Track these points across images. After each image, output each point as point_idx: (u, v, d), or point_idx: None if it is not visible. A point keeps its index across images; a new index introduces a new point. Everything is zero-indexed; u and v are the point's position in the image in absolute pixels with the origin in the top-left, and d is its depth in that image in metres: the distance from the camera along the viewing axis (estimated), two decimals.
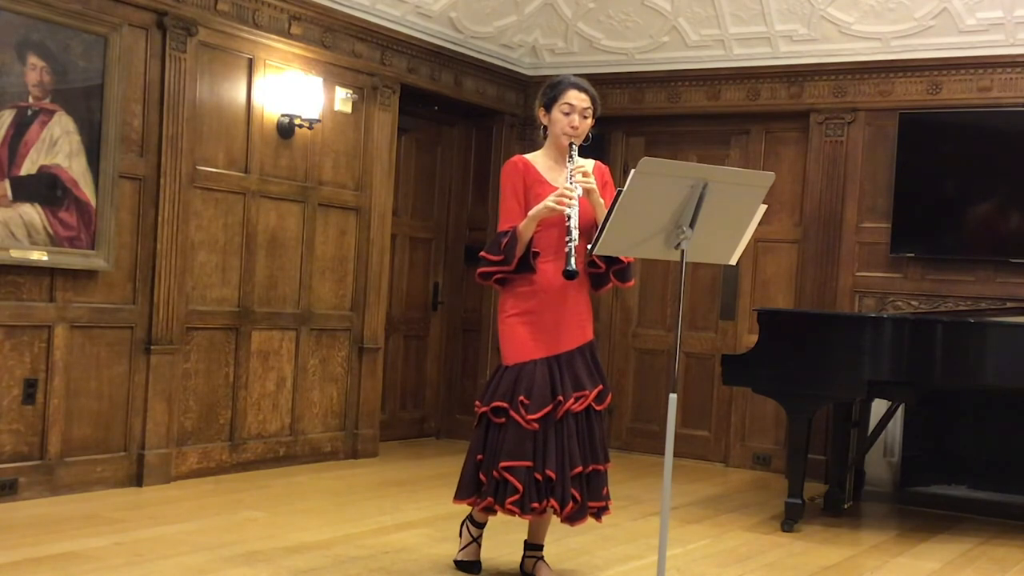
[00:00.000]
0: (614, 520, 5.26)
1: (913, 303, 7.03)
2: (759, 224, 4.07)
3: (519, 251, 4.14)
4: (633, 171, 3.55)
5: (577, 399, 4.17)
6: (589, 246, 3.99)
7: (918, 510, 6.47)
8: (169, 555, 4.50)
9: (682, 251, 3.71)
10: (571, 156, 4.16)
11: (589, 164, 4.25)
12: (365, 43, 7.00)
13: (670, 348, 7.86)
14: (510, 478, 4.08)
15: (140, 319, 5.85)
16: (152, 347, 5.87)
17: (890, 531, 5.90)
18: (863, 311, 7.11)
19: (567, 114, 4.19)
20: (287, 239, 6.65)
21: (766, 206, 4.05)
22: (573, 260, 3.94)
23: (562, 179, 4.16)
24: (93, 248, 5.56)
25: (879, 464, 6.96)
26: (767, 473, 7.50)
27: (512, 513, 4.13)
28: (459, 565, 4.49)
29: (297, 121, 6.53)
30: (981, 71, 6.92)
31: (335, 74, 6.85)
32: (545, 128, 4.29)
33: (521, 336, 4.20)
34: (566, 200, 4.01)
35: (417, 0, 7.10)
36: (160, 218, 5.89)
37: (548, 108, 4.25)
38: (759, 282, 7.73)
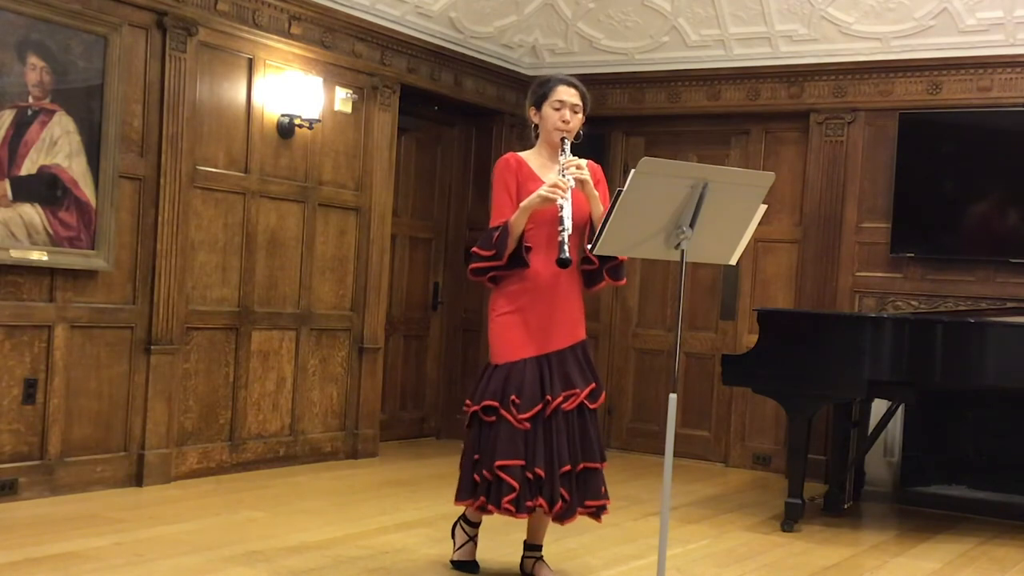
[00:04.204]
0: (614, 520, 5.26)
1: (913, 303, 7.03)
2: (759, 224, 4.07)
3: (511, 244, 4.12)
4: (633, 171, 3.55)
5: (567, 398, 4.16)
6: (589, 245, 3.99)
7: (918, 510, 6.46)
8: (169, 555, 4.50)
9: (682, 251, 3.71)
10: (563, 151, 4.15)
11: (582, 164, 4.25)
12: (365, 43, 7.00)
13: (670, 348, 7.86)
14: (505, 477, 4.07)
15: (140, 319, 5.85)
16: (152, 347, 5.87)
17: (890, 531, 5.90)
18: (863, 311, 7.11)
19: (558, 109, 4.19)
20: (287, 239, 6.65)
21: (766, 206, 4.05)
22: (567, 248, 3.93)
23: (554, 174, 4.15)
24: (93, 248, 5.56)
25: (879, 464, 6.96)
26: (767, 473, 7.49)
27: (508, 512, 4.10)
28: (457, 565, 4.48)
29: (297, 121, 6.53)
30: (981, 71, 6.92)
31: (335, 74, 6.85)
32: (536, 127, 4.29)
33: (511, 335, 4.20)
34: (559, 191, 4.01)
35: (417, 0, 7.10)
36: (160, 218, 5.89)
37: (538, 106, 4.26)
38: (759, 282, 7.73)
